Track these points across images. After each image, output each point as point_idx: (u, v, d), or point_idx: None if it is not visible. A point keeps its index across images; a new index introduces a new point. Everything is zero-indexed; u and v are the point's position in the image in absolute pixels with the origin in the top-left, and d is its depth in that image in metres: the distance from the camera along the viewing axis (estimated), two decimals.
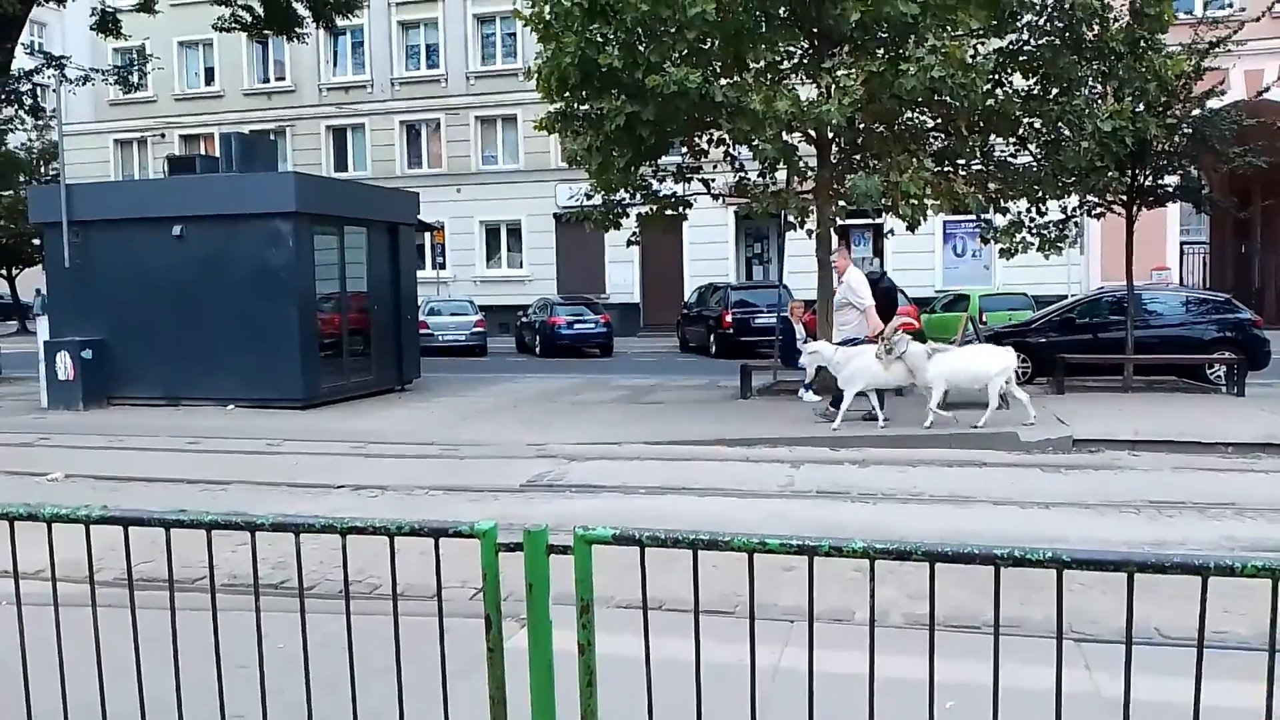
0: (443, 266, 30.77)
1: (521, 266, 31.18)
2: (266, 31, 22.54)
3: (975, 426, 10.51)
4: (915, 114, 13.25)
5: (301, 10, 21.23)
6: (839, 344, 11.26)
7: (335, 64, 32.33)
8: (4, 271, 37.86)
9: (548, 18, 11.79)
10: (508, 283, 30.89)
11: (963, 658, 3.20)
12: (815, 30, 12.91)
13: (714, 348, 22.13)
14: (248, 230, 13.82)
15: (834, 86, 11.24)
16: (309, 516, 2.40)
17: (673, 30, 11.24)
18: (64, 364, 14.18)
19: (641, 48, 11.46)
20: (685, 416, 12.65)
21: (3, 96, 19.05)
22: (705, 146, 14.10)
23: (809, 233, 13.72)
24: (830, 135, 12.91)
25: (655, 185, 14.18)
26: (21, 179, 32.41)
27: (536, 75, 12.39)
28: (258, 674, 2.54)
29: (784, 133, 11.91)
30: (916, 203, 11.54)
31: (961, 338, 12.76)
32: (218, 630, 2.51)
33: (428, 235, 27.63)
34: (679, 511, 7.51)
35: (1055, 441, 10.14)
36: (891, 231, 16.28)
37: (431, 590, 2.92)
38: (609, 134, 11.99)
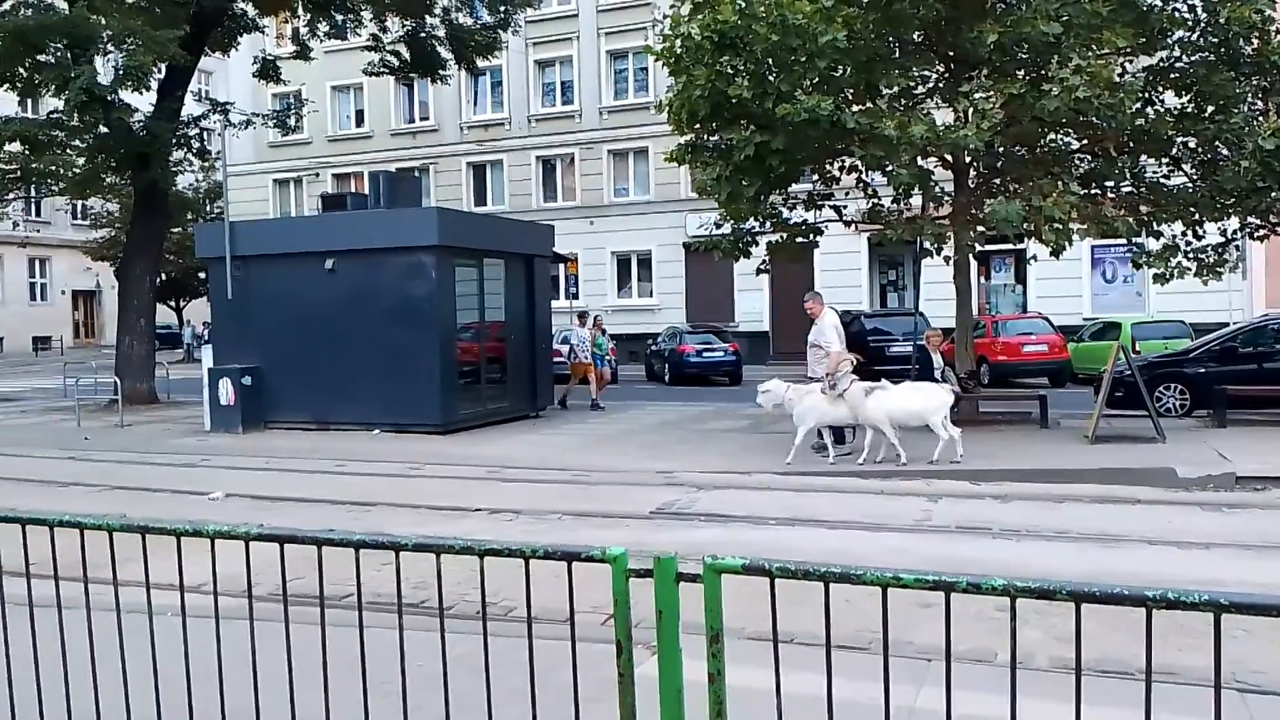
0: (575, 296, 31.36)
1: (651, 295, 31.48)
2: (412, 75, 23.71)
3: (931, 462, 10.46)
4: (1059, 136, 12.80)
5: (445, 53, 22.22)
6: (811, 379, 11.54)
7: (475, 103, 33.60)
8: (172, 303, 40.67)
9: (678, 52, 11.97)
10: (638, 311, 31.22)
11: (1112, 705, 3.03)
12: (950, 54, 12.67)
13: None
14: (393, 263, 14.47)
15: (971, 110, 10.98)
16: (449, 538, 2.49)
17: (803, 59, 11.23)
18: (225, 390, 15.12)
19: (771, 78, 11.49)
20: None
21: (174, 140, 20.54)
22: (836, 173, 13.98)
23: (946, 259, 13.38)
24: (968, 160, 12.61)
25: (785, 213, 14.12)
26: (189, 217, 34.84)
27: (667, 108, 12.57)
28: (399, 690, 2.63)
29: (919, 158, 11.71)
30: (1061, 228, 11.12)
31: (1112, 368, 12.15)
32: (364, 647, 2.62)
33: (561, 266, 28.26)
34: (809, 544, 7.40)
35: (1216, 478, 9.51)
36: (1034, 257, 15.71)
37: (561, 614, 2.97)
38: (738, 164, 12.05)
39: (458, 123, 33.46)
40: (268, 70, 22.45)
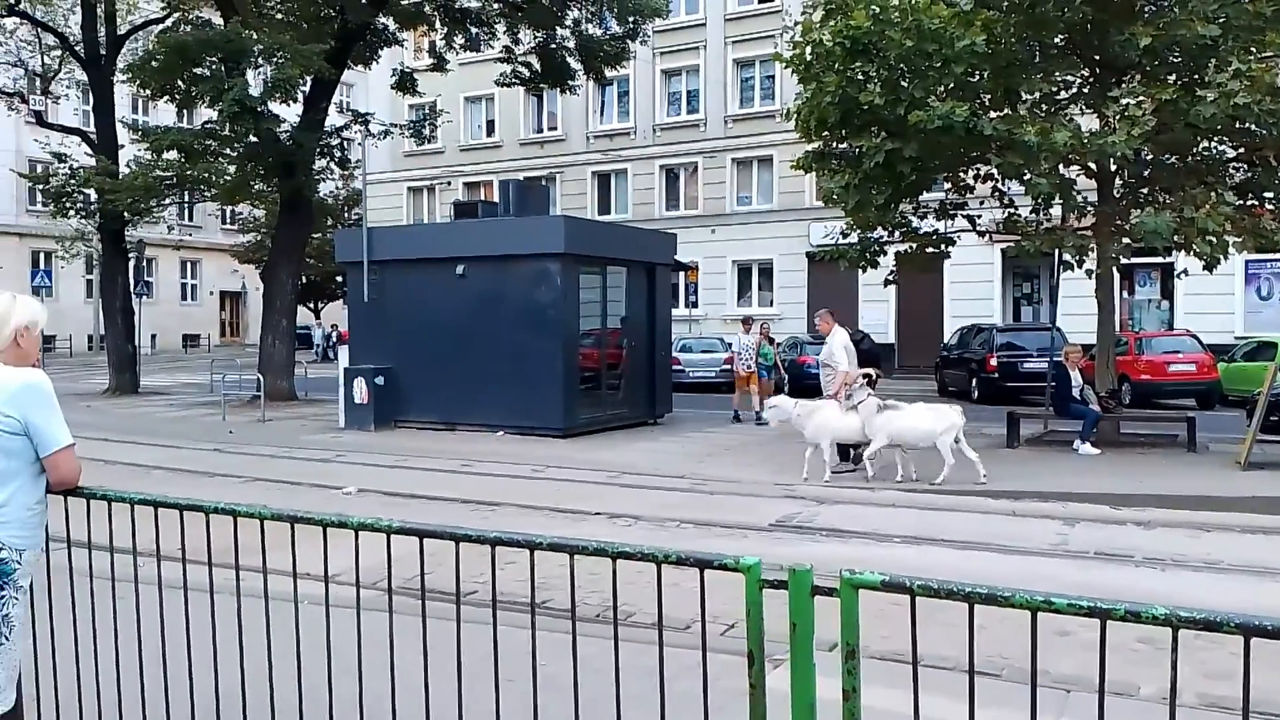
0: (695, 305, 31.41)
1: (771, 305, 31.22)
2: (542, 85, 24.21)
3: (933, 483, 10.25)
4: (1213, 143, 12.08)
5: (574, 64, 22.62)
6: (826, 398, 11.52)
7: (602, 113, 34.09)
8: (311, 305, 42.57)
9: (808, 59, 11.84)
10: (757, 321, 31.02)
11: None
12: (1097, 58, 12.14)
13: (975, 393, 21.03)
14: (520, 270, 14.79)
15: (1120, 116, 10.47)
16: (580, 539, 2.51)
17: (938, 65, 10.94)
18: (360, 389, 15.73)
19: (904, 84, 11.24)
20: (942, 464, 12.07)
21: (318, 150, 21.53)
22: (971, 182, 13.55)
23: (1088, 273, 12.79)
24: (1113, 168, 12.04)
25: (915, 223, 13.78)
26: (329, 223, 36.41)
27: (795, 116, 12.45)
28: (527, 689, 2.66)
29: (1060, 166, 11.24)
30: (1215, 240, 10.50)
31: (1269, 390, 11.36)
32: (497, 645, 2.65)
33: (681, 274, 28.33)
34: (935, 564, 7.17)
35: None
36: (1184, 272, 14.85)
37: (680, 621, 2.91)
38: (868, 171, 11.83)
39: (584, 132, 34.00)
40: (405, 82, 23.32)
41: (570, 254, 14.58)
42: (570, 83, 23.20)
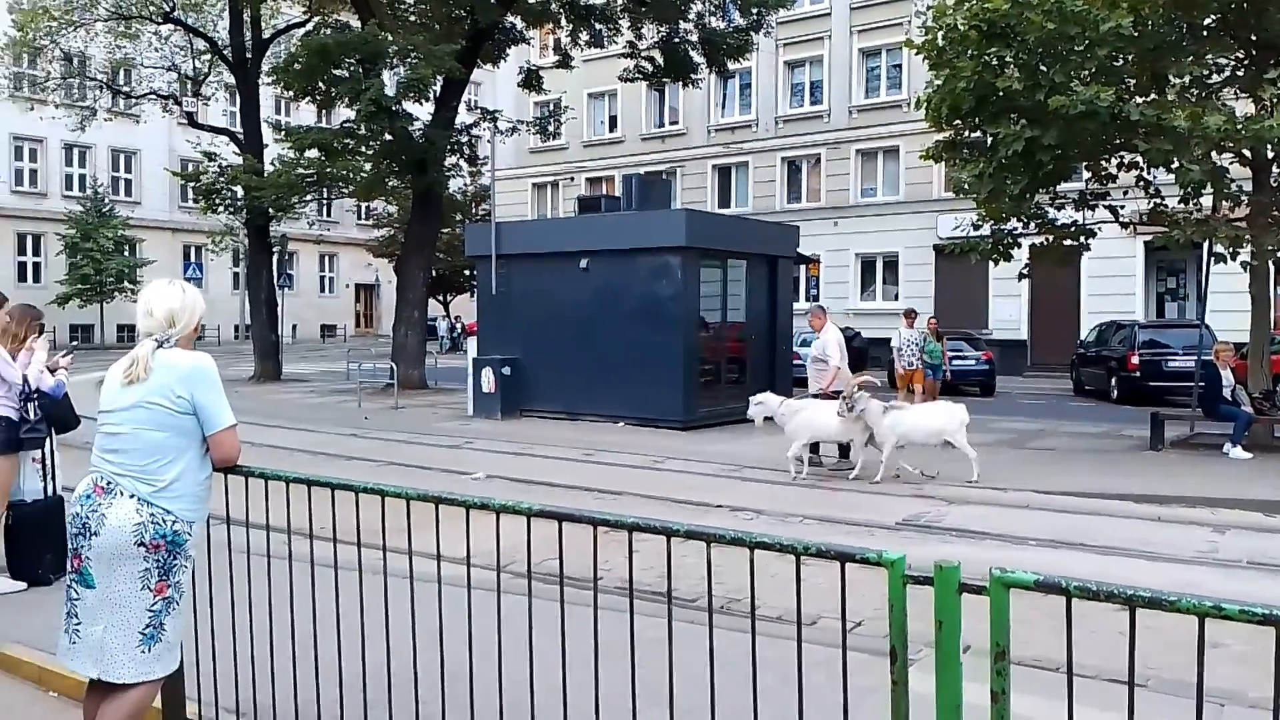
0: (816, 298, 30.95)
1: (896, 299, 30.47)
2: (664, 79, 24.29)
3: (969, 482, 10.19)
4: None
5: (697, 57, 22.60)
6: (813, 395, 11.42)
7: (723, 106, 33.93)
8: (440, 298, 43.89)
9: (941, 44, 11.50)
10: (882, 315, 30.32)
11: None
12: (1252, 38, 11.39)
13: (1115, 392, 20.05)
14: (642, 263, 14.89)
15: (1278, 100, 9.81)
16: (718, 528, 2.51)
17: (1080, 48, 10.46)
18: (487, 378, 16.15)
19: (1044, 68, 10.79)
20: (1080, 466, 11.61)
21: (448, 147, 22.16)
22: (1114, 170, 12.91)
23: (1243, 265, 12.04)
24: (1270, 155, 11.28)
25: (1052, 214, 13.22)
26: (457, 218, 37.46)
27: (925, 104, 12.12)
28: (655, 678, 2.68)
29: (1212, 153, 10.60)
30: None
31: None
32: (634, 632, 2.68)
33: (802, 268, 27.96)
34: (1072, 569, 6.87)
35: None
36: None
37: (807, 615, 2.87)
38: (1003, 160, 11.41)
39: (705, 125, 33.92)
40: (531, 80, 23.76)
41: (691, 247, 14.60)
42: (692, 76, 23.20)
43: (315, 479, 3.32)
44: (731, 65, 23.77)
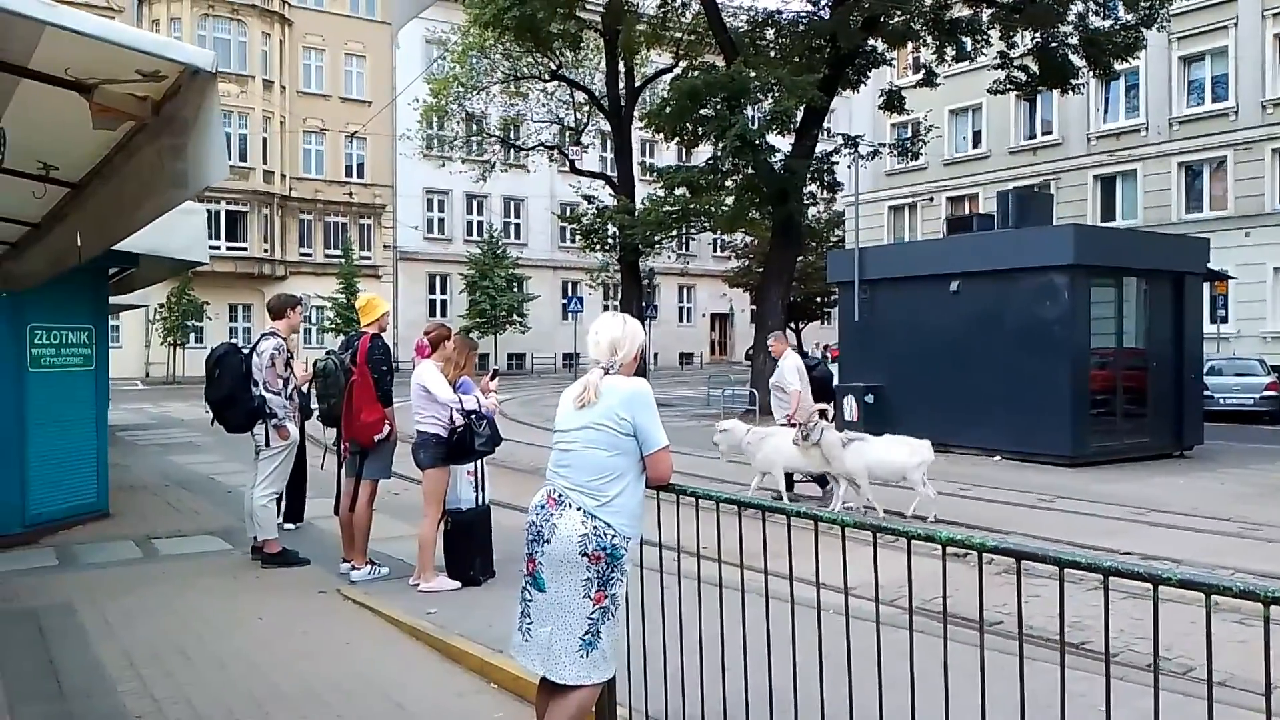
0: (1224, 320, 27.20)
1: None
2: (1039, 88, 22.73)
3: (904, 516, 9.39)
4: None
5: (1077, 61, 20.92)
6: (780, 424, 10.78)
7: (1106, 110, 31.09)
8: (793, 325, 44.23)
9: None
10: None
11: None
12: None
13: None
14: (1021, 284, 13.93)
15: None
16: (1169, 567, 2.17)
17: None
18: (849, 406, 15.89)
19: None
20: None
21: (809, 175, 22.28)
22: None
23: None
24: None
25: None
26: (811, 245, 37.57)
27: None
28: None
29: None
30: None
31: None
32: (1064, 683, 2.41)
33: (1205, 286, 24.74)
34: None
35: None
36: None
37: (1252, 682, 2.43)
38: None
39: (1084, 133, 31.28)
40: (893, 101, 23.27)
41: (1080, 265, 13.40)
42: (1073, 82, 21.48)
43: (746, 500, 3.37)
44: (1117, 66, 21.71)
